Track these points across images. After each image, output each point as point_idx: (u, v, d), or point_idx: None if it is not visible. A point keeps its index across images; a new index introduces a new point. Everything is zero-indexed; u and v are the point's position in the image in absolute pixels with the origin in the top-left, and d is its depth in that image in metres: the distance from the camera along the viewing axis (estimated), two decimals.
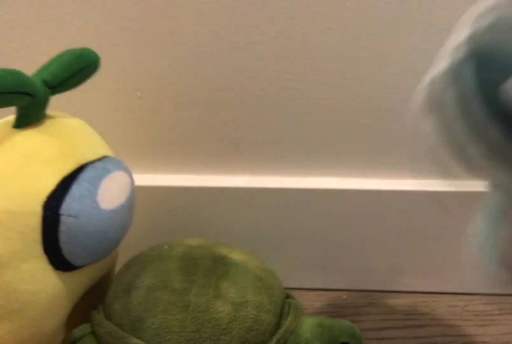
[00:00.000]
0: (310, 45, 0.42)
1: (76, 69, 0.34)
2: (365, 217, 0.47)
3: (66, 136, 0.34)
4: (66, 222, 0.31)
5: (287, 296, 0.39)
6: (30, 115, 0.33)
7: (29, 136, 0.33)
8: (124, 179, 0.35)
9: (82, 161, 0.33)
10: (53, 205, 0.31)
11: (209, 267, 0.36)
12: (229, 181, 0.47)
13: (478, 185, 0.46)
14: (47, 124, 0.34)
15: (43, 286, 0.32)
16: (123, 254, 0.40)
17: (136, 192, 0.37)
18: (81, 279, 0.35)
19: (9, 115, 0.34)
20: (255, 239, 0.48)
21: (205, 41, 0.42)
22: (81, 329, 0.35)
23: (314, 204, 0.46)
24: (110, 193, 0.33)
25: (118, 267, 0.39)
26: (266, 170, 0.47)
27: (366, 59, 0.42)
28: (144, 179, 0.47)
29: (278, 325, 0.36)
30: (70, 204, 0.31)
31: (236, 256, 0.38)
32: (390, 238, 0.47)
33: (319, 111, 0.45)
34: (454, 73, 0.23)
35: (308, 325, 0.36)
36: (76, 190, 0.32)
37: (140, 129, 0.46)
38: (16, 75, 0.30)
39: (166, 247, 0.39)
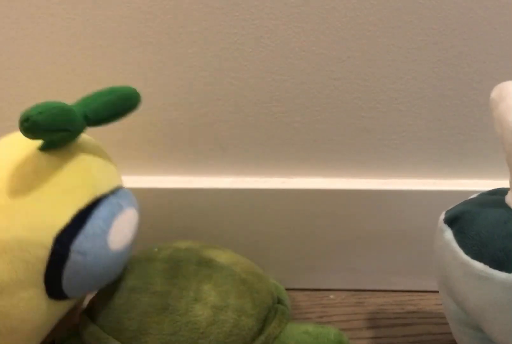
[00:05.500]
0: (295, 45, 0.42)
1: (119, 110, 0.34)
2: (352, 217, 0.47)
3: (87, 166, 0.33)
4: (74, 258, 0.30)
5: (278, 301, 0.38)
6: (61, 144, 0.32)
7: (54, 163, 0.31)
8: (133, 216, 0.35)
9: (98, 193, 0.33)
10: (65, 239, 0.30)
11: (192, 270, 0.36)
12: (215, 182, 0.47)
13: (465, 184, 0.46)
14: (72, 151, 0.33)
15: (35, 313, 0.32)
16: None
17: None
18: (70, 304, 0.35)
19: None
20: (241, 240, 0.48)
21: (190, 42, 0.42)
22: (69, 330, 0.36)
23: (300, 205, 0.46)
24: (120, 232, 0.33)
25: None
26: (252, 171, 0.47)
27: (351, 59, 0.42)
28: (130, 180, 0.46)
29: (261, 331, 0.35)
30: (82, 241, 0.31)
31: (223, 259, 0.37)
32: (377, 237, 0.47)
33: (304, 111, 0.44)
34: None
35: (293, 332, 0.36)
36: (90, 227, 0.31)
37: (126, 131, 0.45)
38: (65, 113, 0.29)
39: (156, 249, 0.39)
